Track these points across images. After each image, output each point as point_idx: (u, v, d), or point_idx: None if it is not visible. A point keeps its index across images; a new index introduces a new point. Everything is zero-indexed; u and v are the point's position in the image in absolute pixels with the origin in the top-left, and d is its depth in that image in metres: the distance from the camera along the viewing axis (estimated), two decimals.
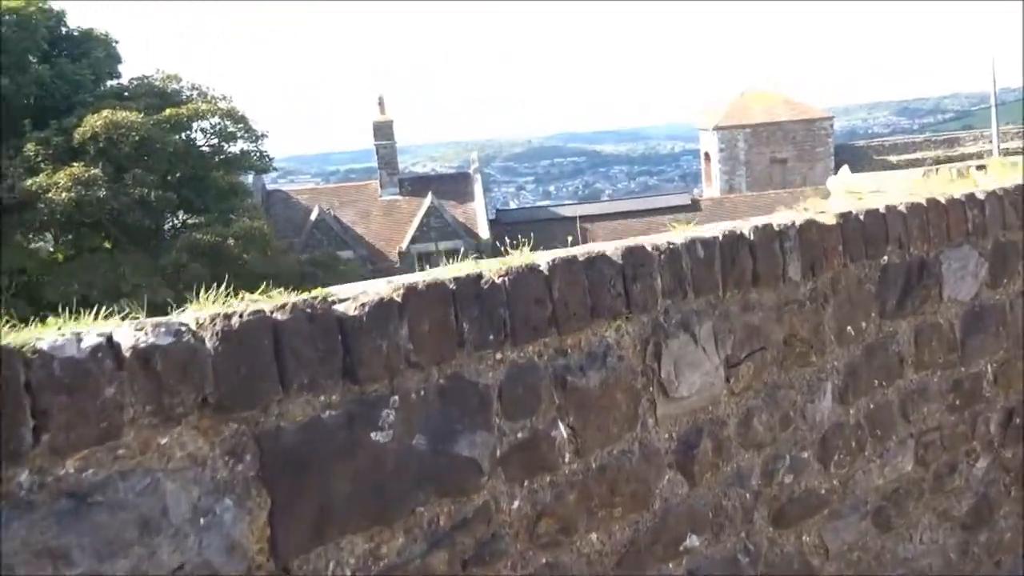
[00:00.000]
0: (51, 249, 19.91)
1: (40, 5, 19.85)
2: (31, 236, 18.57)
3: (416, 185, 31.45)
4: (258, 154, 22.02)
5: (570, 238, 2.52)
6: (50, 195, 16.59)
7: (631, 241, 2.08)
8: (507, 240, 2.19)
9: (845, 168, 25.17)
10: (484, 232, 29.01)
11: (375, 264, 27.51)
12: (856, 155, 37.15)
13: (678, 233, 2.15)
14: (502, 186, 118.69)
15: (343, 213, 29.68)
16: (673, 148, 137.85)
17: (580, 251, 1.95)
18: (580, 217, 29.51)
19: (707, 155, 40.21)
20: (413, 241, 28.56)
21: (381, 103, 31.81)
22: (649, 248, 2.03)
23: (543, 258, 1.87)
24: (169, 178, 19.76)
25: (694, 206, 31.44)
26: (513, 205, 74.32)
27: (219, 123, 20.98)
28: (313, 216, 28.26)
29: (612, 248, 1.98)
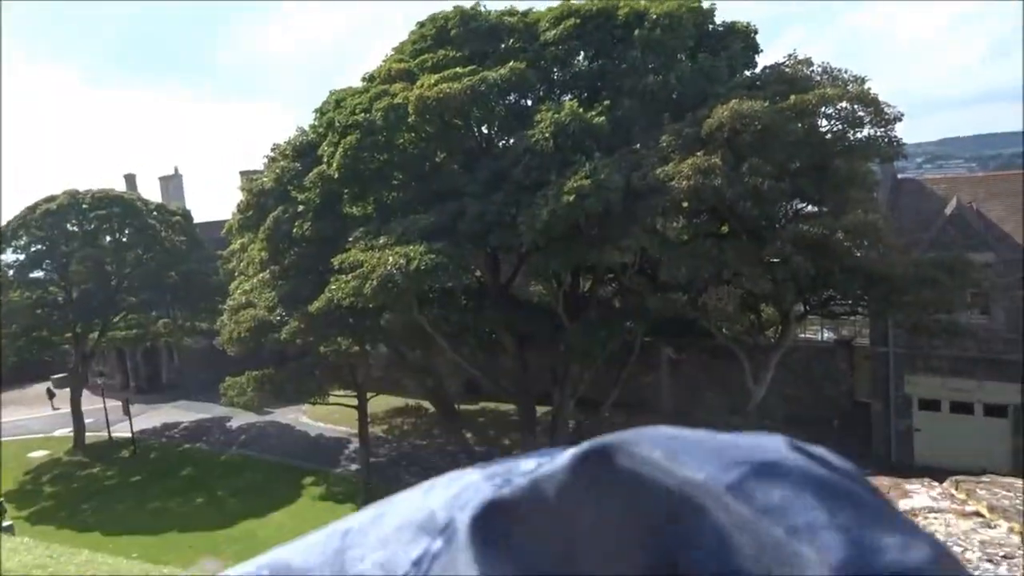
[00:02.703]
0: (678, 232, 21.66)
1: (691, 4, 21.50)
2: (658, 219, 20.45)
3: None
4: (886, 140, 20.06)
5: None
6: (673, 183, 17.95)
7: None
8: None
9: None
10: None
11: (1019, 273, 22.75)
12: None
13: None
14: None
15: (989, 207, 25.19)
16: None
17: None
18: None
19: None
20: None
21: None
22: None
23: None
24: (787, 167, 19.49)
25: None
26: None
27: (846, 108, 19.74)
28: (948, 210, 24.70)
29: None
